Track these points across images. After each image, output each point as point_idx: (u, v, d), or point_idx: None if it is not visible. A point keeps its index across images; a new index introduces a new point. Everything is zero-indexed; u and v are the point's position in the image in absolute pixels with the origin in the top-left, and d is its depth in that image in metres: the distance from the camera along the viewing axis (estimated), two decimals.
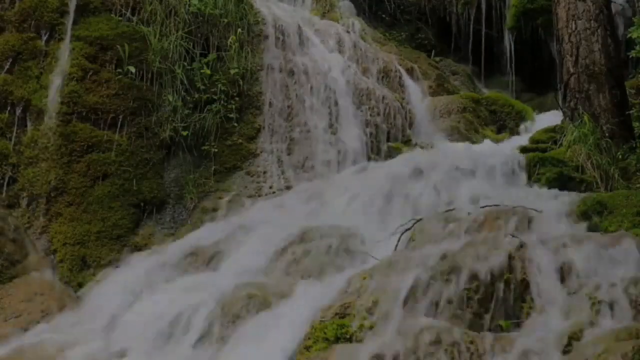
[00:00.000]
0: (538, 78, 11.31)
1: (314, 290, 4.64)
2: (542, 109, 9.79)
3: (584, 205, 5.35)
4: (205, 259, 5.62)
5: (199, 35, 7.39)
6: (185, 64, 7.11)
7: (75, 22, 6.89)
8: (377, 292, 4.24)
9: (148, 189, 6.59)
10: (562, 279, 4.18)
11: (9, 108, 6.40)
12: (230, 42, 7.40)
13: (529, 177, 6.43)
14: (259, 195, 6.79)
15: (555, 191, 5.99)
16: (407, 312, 4.05)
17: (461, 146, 8.12)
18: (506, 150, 7.35)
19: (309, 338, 4.06)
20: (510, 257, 4.26)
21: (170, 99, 6.89)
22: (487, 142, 8.36)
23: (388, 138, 8.10)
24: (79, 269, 6.03)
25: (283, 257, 5.32)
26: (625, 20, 10.90)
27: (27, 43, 6.67)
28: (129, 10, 7.12)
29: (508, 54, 11.38)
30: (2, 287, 5.53)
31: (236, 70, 7.29)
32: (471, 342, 3.78)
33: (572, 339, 3.70)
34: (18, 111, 6.41)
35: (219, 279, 5.28)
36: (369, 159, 7.59)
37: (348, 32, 9.52)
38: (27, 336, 5.03)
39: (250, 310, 4.61)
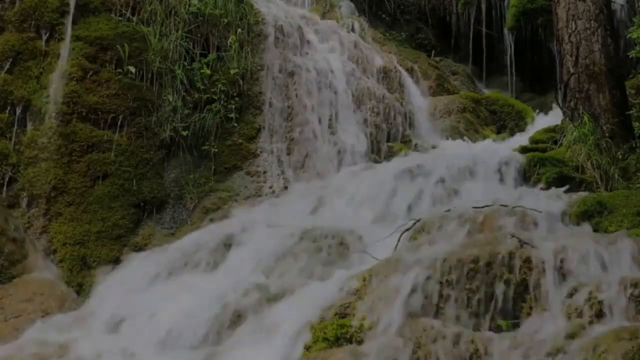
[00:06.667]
0: (538, 78, 11.30)
1: (314, 290, 4.65)
2: (542, 109, 9.78)
3: (584, 205, 5.35)
4: (206, 260, 5.61)
5: (199, 35, 7.38)
6: (185, 64, 7.11)
7: (75, 22, 6.89)
8: (377, 292, 4.25)
9: (148, 189, 6.59)
10: (562, 279, 4.19)
11: (9, 108, 6.40)
12: (230, 42, 7.40)
13: (529, 177, 6.44)
14: (259, 195, 6.78)
15: (555, 191, 5.99)
16: (407, 312, 4.06)
17: (461, 146, 8.13)
18: (506, 150, 7.34)
19: (309, 338, 4.06)
20: (510, 257, 4.27)
21: (170, 99, 6.89)
22: (486, 142, 8.36)
23: (388, 138, 8.09)
24: (79, 269, 6.03)
25: (283, 258, 5.32)
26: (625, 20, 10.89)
27: (27, 43, 6.67)
28: (129, 10, 7.11)
29: (508, 54, 11.36)
30: (2, 287, 5.53)
31: (236, 70, 7.29)
32: (471, 342, 3.78)
33: (572, 339, 3.70)
34: (18, 111, 6.41)
35: (219, 279, 5.28)
36: (368, 159, 7.59)
37: (348, 32, 9.52)
38: (27, 336, 5.03)
39: (250, 310, 4.62)
